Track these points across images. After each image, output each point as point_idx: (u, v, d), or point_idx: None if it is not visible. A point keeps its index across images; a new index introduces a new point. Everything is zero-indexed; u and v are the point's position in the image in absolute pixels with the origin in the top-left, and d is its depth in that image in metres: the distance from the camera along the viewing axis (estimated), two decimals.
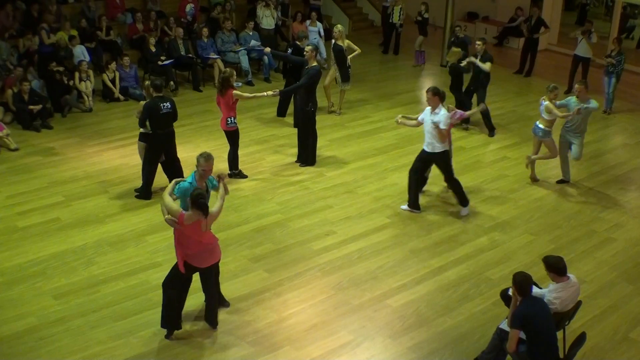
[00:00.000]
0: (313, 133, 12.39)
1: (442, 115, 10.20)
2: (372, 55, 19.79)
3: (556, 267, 7.11)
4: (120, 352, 7.71)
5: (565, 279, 7.14)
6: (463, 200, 10.89)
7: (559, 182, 12.01)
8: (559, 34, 19.56)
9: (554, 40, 20.46)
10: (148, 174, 11.04)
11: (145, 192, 11.09)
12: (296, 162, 12.50)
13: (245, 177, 11.87)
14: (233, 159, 11.82)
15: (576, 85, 11.45)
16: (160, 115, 10.68)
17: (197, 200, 7.30)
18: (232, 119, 11.45)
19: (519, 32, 19.94)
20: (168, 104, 10.75)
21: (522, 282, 6.74)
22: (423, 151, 10.60)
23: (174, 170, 10.90)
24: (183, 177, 11.08)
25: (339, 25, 14.78)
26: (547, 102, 11.29)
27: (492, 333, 7.42)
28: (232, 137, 11.70)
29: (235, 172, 11.86)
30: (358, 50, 14.82)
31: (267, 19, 18.53)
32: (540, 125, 11.53)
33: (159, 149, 10.92)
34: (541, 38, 18.26)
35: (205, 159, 7.91)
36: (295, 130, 12.73)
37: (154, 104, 10.65)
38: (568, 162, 11.92)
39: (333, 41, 14.58)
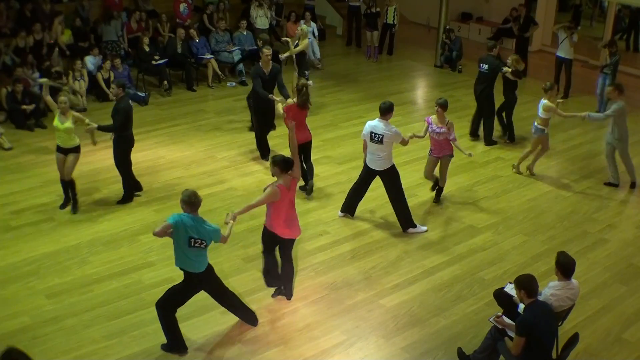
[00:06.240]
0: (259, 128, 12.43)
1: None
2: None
3: (563, 266, 7.14)
4: (114, 351, 7.71)
5: (567, 280, 7.18)
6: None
7: (607, 184, 12.11)
8: (552, 35, 19.54)
9: (548, 41, 20.48)
10: None
11: None
12: None
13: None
14: None
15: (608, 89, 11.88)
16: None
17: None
18: None
19: (512, 33, 19.96)
20: None
21: (531, 283, 6.75)
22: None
23: None
24: None
25: None
26: (545, 101, 11.48)
27: (486, 333, 7.45)
28: None
29: None
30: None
31: (261, 18, 18.51)
32: (537, 125, 11.79)
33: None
34: (535, 39, 18.25)
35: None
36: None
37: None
38: (615, 165, 12.04)
39: None
